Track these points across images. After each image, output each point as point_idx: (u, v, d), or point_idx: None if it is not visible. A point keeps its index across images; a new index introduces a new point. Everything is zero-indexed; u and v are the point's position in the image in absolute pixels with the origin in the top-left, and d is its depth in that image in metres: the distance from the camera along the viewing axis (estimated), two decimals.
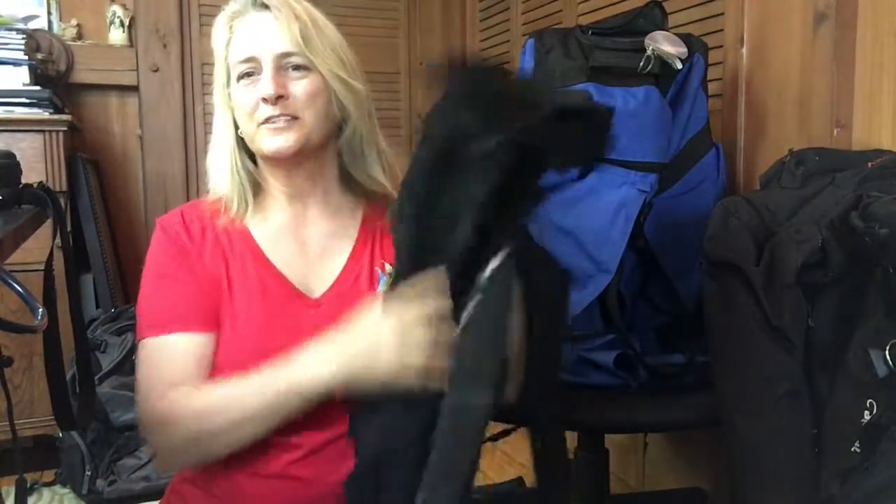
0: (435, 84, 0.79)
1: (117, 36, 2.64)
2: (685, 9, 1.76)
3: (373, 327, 0.81)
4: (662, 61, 1.37)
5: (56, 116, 2.18)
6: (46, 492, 2.07)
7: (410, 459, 0.76)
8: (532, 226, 0.85)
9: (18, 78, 2.18)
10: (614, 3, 2.03)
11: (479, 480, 2.16)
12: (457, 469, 0.74)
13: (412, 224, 0.78)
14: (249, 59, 0.95)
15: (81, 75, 2.58)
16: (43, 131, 2.14)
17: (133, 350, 1.75)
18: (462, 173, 0.75)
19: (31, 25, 2.43)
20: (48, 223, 0.90)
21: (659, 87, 1.39)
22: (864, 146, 1.34)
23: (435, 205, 0.76)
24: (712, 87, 1.57)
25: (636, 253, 1.42)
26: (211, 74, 1.03)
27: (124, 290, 2.52)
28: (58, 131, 2.16)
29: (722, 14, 1.66)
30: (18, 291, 0.71)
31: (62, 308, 0.92)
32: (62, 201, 2.03)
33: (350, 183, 1.04)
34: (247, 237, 1.01)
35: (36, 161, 2.11)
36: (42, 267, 0.91)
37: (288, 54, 0.95)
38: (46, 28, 2.55)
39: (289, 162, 0.97)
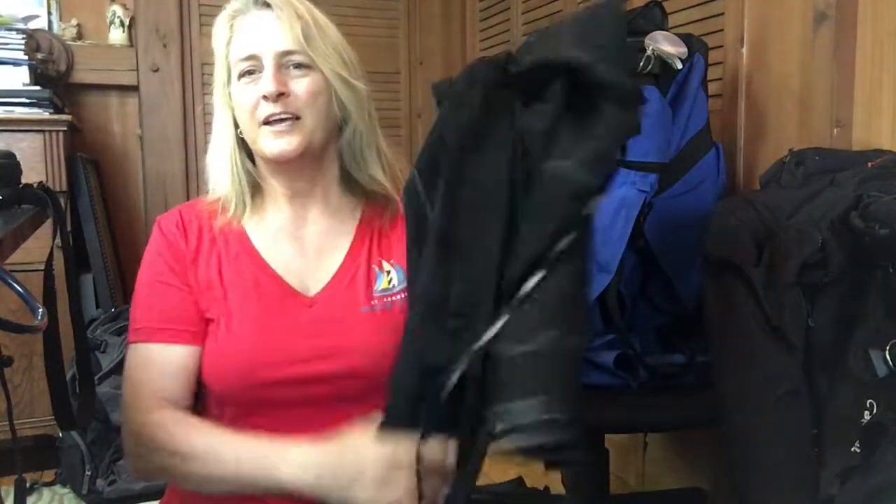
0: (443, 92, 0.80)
1: (117, 36, 2.64)
2: (685, 9, 1.76)
3: (363, 455, 0.84)
4: (662, 61, 1.37)
5: (56, 116, 2.18)
6: (46, 492, 2.07)
7: None
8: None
9: (18, 78, 2.17)
10: None
11: (479, 480, 2.16)
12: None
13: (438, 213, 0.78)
14: (251, 58, 0.95)
15: (81, 75, 2.58)
16: (43, 131, 2.14)
17: None
18: (494, 148, 0.76)
19: (31, 25, 2.43)
20: (48, 223, 0.90)
21: (659, 87, 1.39)
22: (864, 146, 1.34)
23: (459, 185, 0.77)
24: (712, 87, 1.57)
25: (636, 253, 1.42)
26: (211, 74, 1.03)
27: (124, 290, 2.52)
28: (58, 131, 2.16)
29: (722, 14, 1.66)
30: (18, 291, 0.71)
31: (62, 308, 0.92)
32: (62, 201, 2.03)
33: (350, 183, 1.04)
34: (243, 238, 1.01)
35: (36, 161, 2.11)
36: (42, 267, 0.91)
37: (289, 52, 0.95)
38: (46, 28, 2.55)
39: (291, 164, 0.97)
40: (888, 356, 0.93)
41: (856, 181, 1.09)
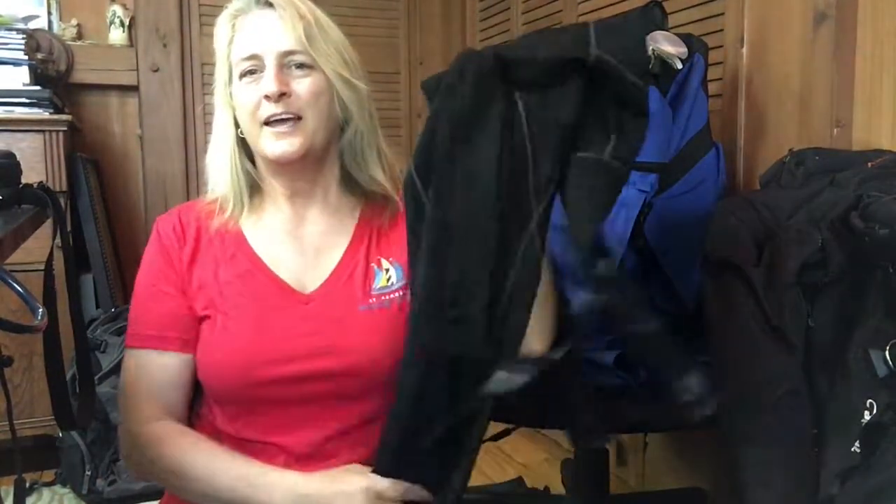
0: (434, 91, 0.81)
1: (117, 36, 2.64)
2: (685, 9, 1.76)
3: (349, 487, 0.87)
4: (662, 61, 1.37)
5: (56, 116, 2.18)
6: (46, 492, 2.07)
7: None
8: None
9: (18, 78, 2.17)
10: (614, 3, 2.03)
11: (479, 480, 2.17)
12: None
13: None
14: (252, 57, 0.95)
15: (81, 75, 2.58)
16: (43, 131, 2.14)
17: None
18: (485, 137, 0.79)
19: (31, 25, 2.43)
20: (48, 223, 0.90)
21: (659, 87, 1.39)
22: (864, 146, 1.34)
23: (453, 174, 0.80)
24: (712, 87, 1.57)
25: (636, 253, 1.42)
26: (211, 74, 1.03)
27: (124, 290, 2.51)
28: (58, 131, 2.15)
29: (722, 14, 1.66)
30: (18, 291, 0.71)
31: (62, 308, 0.92)
32: (62, 201, 2.03)
33: (350, 183, 1.04)
34: (240, 238, 1.01)
35: (36, 161, 2.11)
36: (42, 267, 0.91)
37: (291, 52, 0.95)
38: (46, 28, 2.55)
39: (292, 165, 0.97)
40: (888, 356, 0.93)
41: (856, 181, 1.09)
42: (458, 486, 0.84)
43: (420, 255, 0.82)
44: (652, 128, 1.35)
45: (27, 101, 2.16)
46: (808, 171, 1.20)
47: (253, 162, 1.02)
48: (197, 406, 1.03)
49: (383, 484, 0.86)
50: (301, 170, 0.98)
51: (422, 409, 0.82)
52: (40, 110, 2.17)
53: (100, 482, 2.01)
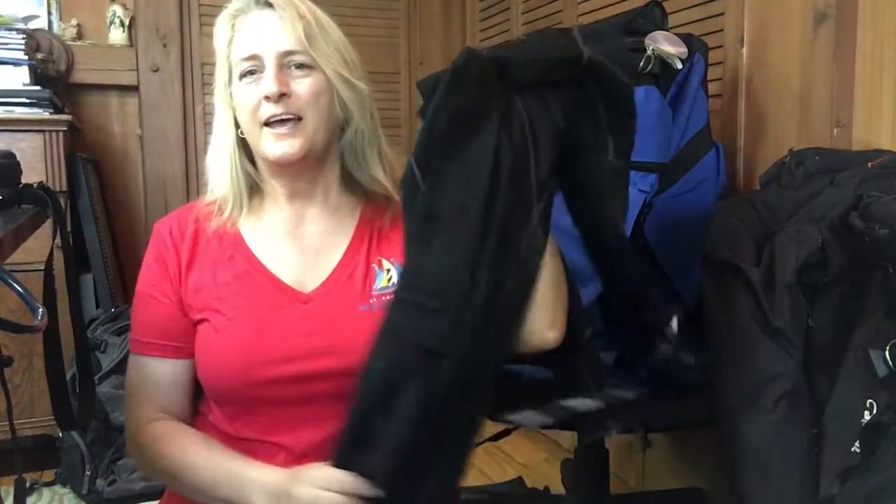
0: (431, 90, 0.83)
1: (117, 36, 2.64)
2: (685, 9, 1.76)
3: (307, 484, 0.85)
4: (662, 61, 1.37)
5: (56, 116, 2.18)
6: (46, 492, 2.07)
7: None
8: None
9: (18, 78, 2.17)
10: (614, 3, 2.03)
11: (479, 480, 2.17)
12: None
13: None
14: (252, 57, 0.95)
15: (81, 75, 2.58)
16: (43, 131, 2.14)
17: None
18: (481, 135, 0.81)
19: (31, 25, 2.43)
20: (48, 223, 0.90)
21: (659, 87, 1.39)
22: (864, 146, 1.34)
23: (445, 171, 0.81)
24: (712, 87, 1.57)
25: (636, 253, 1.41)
26: (211, 74, 1.03)
27: (124, 290, 2.52)
28: (58, 131, 2.15)
29: (722, 14, 1.66)
30: (18, 291, 0.71)
31: (62, 308, 0.92)
32: (62, 201, 2.03)
33: (350, 183, 1.04)
34: (238, 239, 1.01)
35: (36, 161, 2.11)
36: (42, 267, 0.91)
37: (291, 52, 0.94)
38: (46, 28, 2.55)
39: (292, 166, 0.97)
40: (888, 356, 0.93)
41: (856, 181, 1.09)
42: (433, 492, 0.82)
43: (407, 241, 0.83)
44: (652, 128, 1.36)
45: (27, 101, 2.16)
46: (808, 171, 1.20)
47: (253, 162, 1.02)
48: (198, 406, 1.03)
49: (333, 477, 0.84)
50: (301, 170, 0.98)
51: (387, 400, 0.81)
52: (40, 110, 2.17)
53: (100, 482, 2.01)
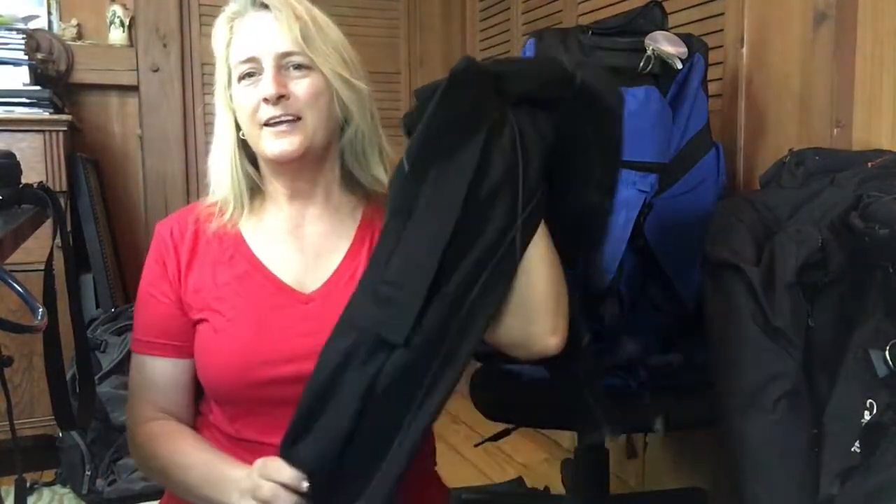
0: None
1: (117, 36, 2.64)
2: (685, 9, 1.76)
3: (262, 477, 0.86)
4: (662, 61, 1.38)
5: (56, 116, 2.18)
6: (46, 492, 2.07)
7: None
8: None
9: (18, 78, 2.17)
10: (614, 3, 2.03)
11: (479, 480, 2.17)
12: None
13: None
14: (250, 60, 0.95)
15: (81, 75, 2.58)
16: (43, 131, 2.14)
17: None
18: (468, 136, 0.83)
19: (31, 25, 2.43)
20: (48, 223, 0.90)
21: (659, 87, 1.39)
22: (864, 146, 1.34)
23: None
24: (712, 87, 1.57)
25: (636, 253, 1.42)
26: (211, 74, 1.03)
27: (124, 290, 2.52)
28: (58, 131, 2.16)
29: (722, 14, 1.66)
30: (18, 291, 0.71)
31: (62, 308, 0.92)
32: (62, 201, 2.03)
33: (352, 183, 1.04)
34: (239, 240, 1.01)
35: (36, 161, 2.11)
36: (42, 267, 0.91)
37: (289, 54, 0.94)
38: (46, 28, 2.55)
39: (292, 165, 0.97)
40: (888, 356, 0.93)
41: (856, 181, 1.09)
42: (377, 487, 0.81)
43: (381, 233, 0.85)
44: (652, 128, 1.36)
45: (27, 101, 2.16)
46: (808, 171, 1.20)
47: (254, 164, 1.02)
48: (199, 406, 1.03)
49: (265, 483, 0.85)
50: (301, 169, 0.98)
51: (332, 390, 0.81)
52: (40, 110, 2.17)
53: (100, 482, 2.01)
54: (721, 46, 1.65)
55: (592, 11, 2.13)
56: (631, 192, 1.35)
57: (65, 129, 2.17)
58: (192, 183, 2.74)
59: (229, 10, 0.99)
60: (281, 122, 0.94)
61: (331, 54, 0.96)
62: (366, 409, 0.80)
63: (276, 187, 1.01)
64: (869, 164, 1.14)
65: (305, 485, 0.82)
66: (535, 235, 0.88)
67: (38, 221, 0.86)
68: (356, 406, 0.80)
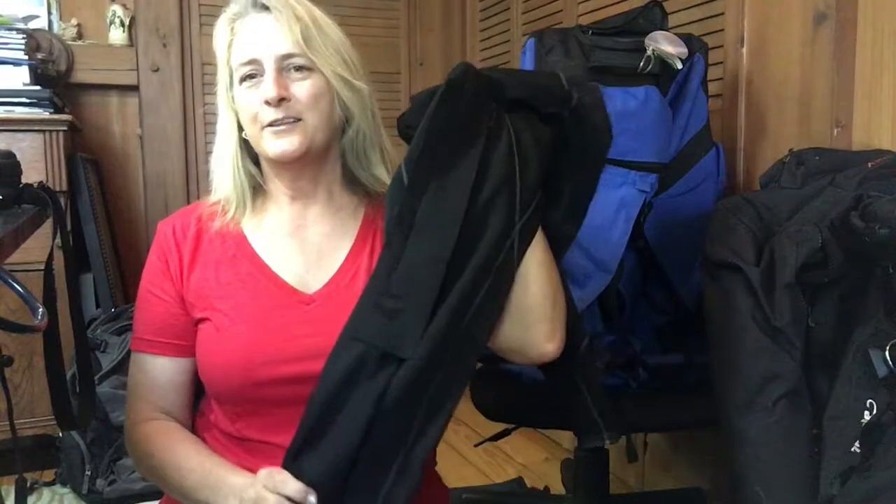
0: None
1: (117, 36, 2.64)
2: (685, 9, 1.76)
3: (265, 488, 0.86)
4: (662, 61, 1.38)
5: (56, 116, 2.18)
6: (46, 491, 2.07)
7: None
8: None
9: (18, 78, 2.17)
10: (614, 3, 2.03)
11: (479, 480, 2.17)
12: None
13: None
14: (251, 62, 0.95)
15: (81, 75, 2.58)
16: (43, 131, 2.14)
17: None
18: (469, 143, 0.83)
19: (32, 25, 2.43)
20: (48, 223, 0.90)
21: (659, 87, 1.39)
22: (864, 146, 1.34)
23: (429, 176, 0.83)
24: (712, 87, 1.57)
25: (636, 253, 1.42)
26: (211, 74, 1.03)
27: (124, 290, 2.52)
28: (58, 131, 2.16)
29: (722, 14, 1.66)
30: (18, 291, 0.71)
31: (62, 308, 0.92)
32: (62, 201, 2.03)
33: (353, 183, 1.04)
34: (241, 239, 1.01)
35: (36, 161, 2.11)
36: (42, 267, 0.91)
37: (289, 55, 0.94)
38: (46, 28, 2.55)
39: (293, 164, 0.97)
40: (888, 356, 0.93)
41: (856, 181, 1.09)
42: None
43: (384, 244, 0.84)
44: (652, 128, 1.36)
45: (27, 101, 2.16)
46: (808, 171, 1.20)
47: (256, 164, 1.02)
48: (200, 405, 1.03)
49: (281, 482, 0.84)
50: (302, 168, 0.98)
51: (338, 405, 0.81)
52: (40, 110, 2.17)
53: (100, 482, 2.01)
54: (721, 46, 1.65)
55: (592, 11, 2.13)
56: (631, 192, 1.35)
57: (65, 129, 2.17)
58: (192, 183, 2.74)
59: (230, 11, 0.99)
60: (282, 123, 0.94)
61: (331, 55, 0.96)
62: (373, 423, 0.80)
63: (277, 187, 1.01)
64: (869, 164, 1.14)
65: (313, 499, 0.82)
66: (532, 241, 0.88)
67: (38, 221, 0.86)
68: (365, 421, 0.80)
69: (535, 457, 2.29)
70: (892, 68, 1.32)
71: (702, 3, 1.72)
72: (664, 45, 1.37)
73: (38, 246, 0.90)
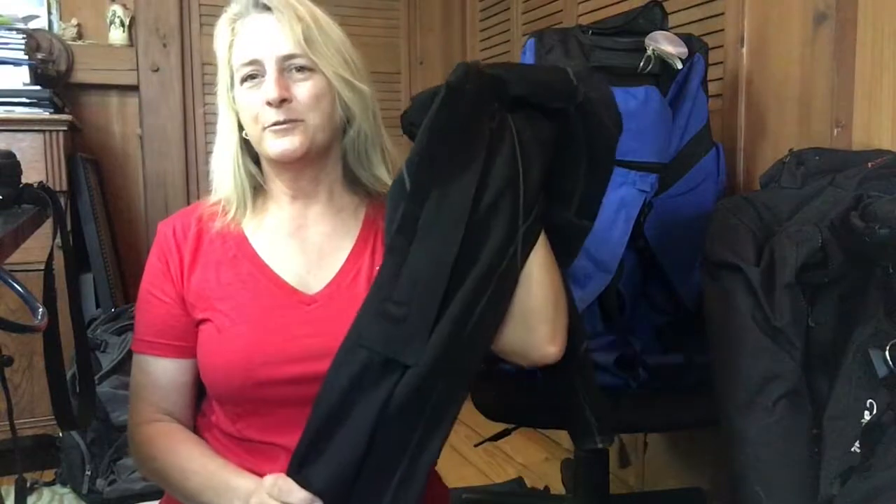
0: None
1: (117, 36, 2.64)
2: (685, 9, 1.76)
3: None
4: (662, 61, 1.38)
5: (56, 116, 2.18)
6: (46, 491, 2.07)
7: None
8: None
9: (18, 78, 2.18)
10: (614, 3, 2.03)
11: (479, 480, 2.17)
12: None
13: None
14: (252, 62, 0.95)
15: (81, 75, 2.58)
16: (43, 131, 2.14)
17: None
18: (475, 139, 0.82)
19: (32, 25, 2.43)
20: (48, 223, 0.90)
21: (659, 87, 1.39)
22: (864, 146, 1.34)
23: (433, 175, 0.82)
24: (712, 87, 1.57)
25: (636, 253, 1.42)
26: (211, 74, 1.03)
27: (124, 289, 2.52)
28: (58, 131, 2.16)
29: (722, 14, 1.66)
30: (18, 291, 0.71)
31: (62, 308, 0.92)
32: (62, 201, 2.03)
33: (354, 183, 1.04)
34: (242, 240, 1.01)
35: (36, 161, 2.11)
36: (42, 267, 0.91)
37: (291, 56, 0.94)
38: (46, 28, 2.55)
39: (294, 165, 0.97)
40: (888, 356, 0.93)
41: (856, 181, 1.09)
42: None
43: (385, 250, 0.84)
44: (652, 128, 1.36)
45: (27, 101, 2.16)
46: (808, 171, 1.20)
47: (257, 163, 1.02)
48: (201, 406, 1.03)
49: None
50: (303, 168, 0.98)
51: (343, 412, 0.81)
52: (40, 110, 2.17)
53: (100, 482, 2.01)
54: (721, 46, 1.65)
55: (592, 11, 2.13)
56: (631, 192, 1.35)
57: (65, 129, 2.17)
58: (192, 183, 2.74)
59: (231, 10, 0.98)
60: (283, 124, 0.94)
61: (333, 56, 0.96)
62: (377, 431, 0.80)
63: (278, 187, 1.01)
64: (869, 164, 1.14)
65: None
66: (535, 243, 0.87)
67: (38, 221, 0.86)
68: (369, 428, 0.79)
69: (535, 457, 2.29)
70: (892, 68, 1.32)
71: (702, 3, 1.72)
72: (664, 45, 1.37)
73: (38, 246, 0.90)
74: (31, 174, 1.17)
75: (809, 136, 1.43)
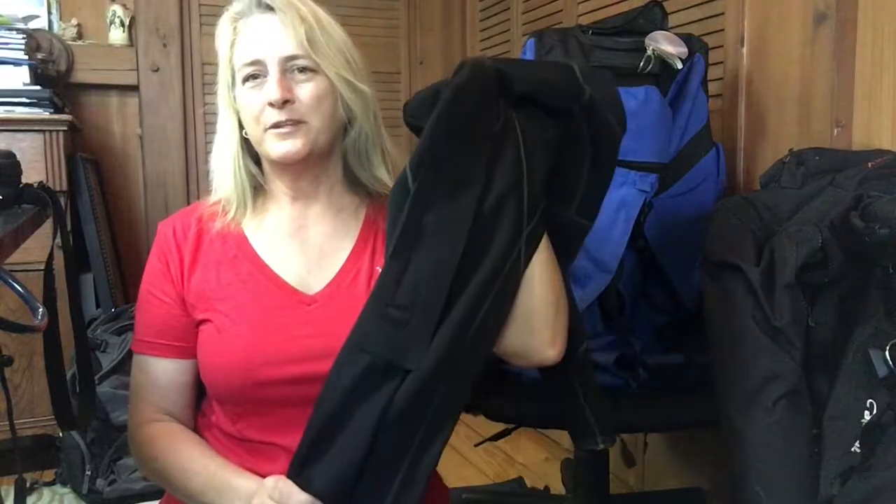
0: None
1: (117, 36, 2.64)
2: (685, 9, 1.76)
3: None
4: (662, 61, 1.38)
5: (56, 116, 2.18)
6: (46, 491, 2.07)
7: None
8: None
9: (18, 78, 2.18)
10: (614, 3, 2.03)
11: (479, 480, 2.17)
12: None
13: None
14: (255, 62, 0.95)
15: (81, 75, 2.59)
16: (43, 131, 2.14)
17: None
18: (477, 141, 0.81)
19: (32, 25, 2.43)
20: (48, 223, 0.90)
21: (659, 87, 1.39)
22: (864, 146, 1.34)
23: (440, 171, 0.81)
24: (712, 87, 1.57)
25: (636, 253, 1.42)
26: (212, 74, 1.03)
27: (124, 289, 2.52)
28: (58, 131, 2.16)
29: (722, 14, 1.66)
30: (18, 291, 0.71)
31: (62, 308, 0.92)
32: (62, 201, 2.03)
33: (354, 184, 1.04)
34: (242, 240, 1.01)
35: (36, 161, 2.11)
36: (42, 267, 0.91)
37: (294, 57, 0.94)
38: (46, 28, 2.56)
39: (295, 165, 0.97)
40: (888, 356, 0.93)
41: (856, 181, 1.09)
42: None
43: (387, 252, 0.83)
44: (652, 128, 1.36)
45: (27, 101, 2.16)
46: (808, 171, 1.20)
47: (257, 163, 1.02)
48: (201, 406, 1.03)
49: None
50: (304, 169, 0.98)
51: (344, 415, 0.81)
52: (40, 110, 2.17)
53: (100, 482, 2.01)
54: (721, 46, 1.64)
55: (592, 11, 2.13)
56: (631, 192, 1.35)
57: (65, 129, 2.17)
58: (193, 183, 2.75)
59: (233, 9, 0.98)
60: (285, 125, 0.94)
61: (335, 57, 0.96)
62: (378, 434, 0.80)
63: (279, 187, 1.01)
64: (869, 164, 1.14)
65: None
66: (538, 245, 0.87)
67: (38, 221, 0.86)
68: (370, 432, 0.79)
69: (535, 457, 2.29)
70: (892, 68, 1.32)
71: (702, 3, 1.72)
72: (664, 44, 1.37)
73: (38, 246, 0.90)
74: (31, 174, 1.17)
75: (809, 136, 1.43)
